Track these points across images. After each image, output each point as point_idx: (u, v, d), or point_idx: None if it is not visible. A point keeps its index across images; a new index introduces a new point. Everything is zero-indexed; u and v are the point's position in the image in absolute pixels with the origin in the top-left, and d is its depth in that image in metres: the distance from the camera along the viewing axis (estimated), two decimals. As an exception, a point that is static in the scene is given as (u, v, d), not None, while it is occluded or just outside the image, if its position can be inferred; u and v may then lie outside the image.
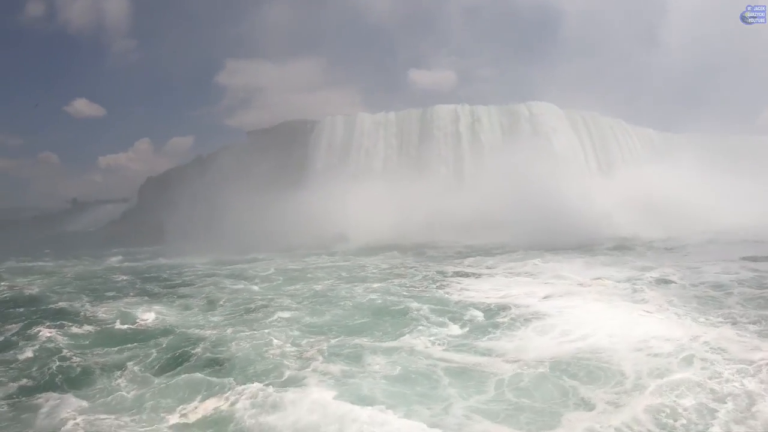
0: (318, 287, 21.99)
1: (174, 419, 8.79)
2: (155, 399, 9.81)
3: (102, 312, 17.83)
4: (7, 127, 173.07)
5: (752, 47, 75.53)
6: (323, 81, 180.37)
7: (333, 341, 13.19)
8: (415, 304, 16.96)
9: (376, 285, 21.85)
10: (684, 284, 19.48)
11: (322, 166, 71.30)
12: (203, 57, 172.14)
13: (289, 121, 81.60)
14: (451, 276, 23.88)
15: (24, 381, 11.17)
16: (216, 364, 11.70)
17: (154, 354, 12.67)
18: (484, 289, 20.04)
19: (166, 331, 14.79)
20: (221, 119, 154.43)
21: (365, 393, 9.68)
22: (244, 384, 10.10)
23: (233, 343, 13.10)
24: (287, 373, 10.85)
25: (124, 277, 28.14)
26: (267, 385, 10.03)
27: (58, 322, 16.00)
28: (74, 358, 12.50)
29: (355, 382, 10.30)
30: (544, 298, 17.57)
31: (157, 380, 10.90)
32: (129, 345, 13.61)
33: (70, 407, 9.49)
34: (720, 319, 13.91)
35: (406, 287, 21.16)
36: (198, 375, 10.81)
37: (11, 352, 13.26)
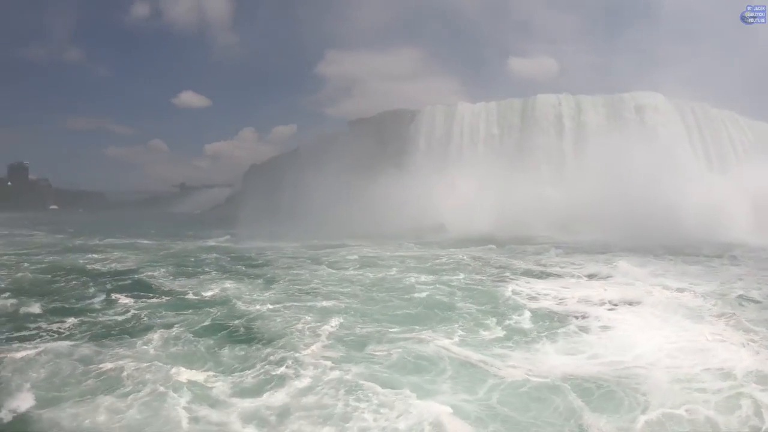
0: (383, 275, 23.05)
1: (178, 376, 10.26)
2: (177, 355, 11.75)
3: (177, 285, 20.63)
4: (121, 118, 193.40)
5: None
6: (423, 70, 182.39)
7: (360, 328, 13.88)
8: (466, 300, 17.44)
9: (439, 277, 22.45)
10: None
11: (421, 155, 72.65)
12: (303, 48, 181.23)
13: (390, 111, 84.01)
14: (522, 274, 23.71)
15: (97, 331, 13.91)
16: (245, 334, 13.37)
17: (199, 320, 14.69)
18: (547, 290, 19.59)
19: (220, 303, 16.87)
20: (322, 108, 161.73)
21: (346, 377, 10.23)
22: (258, 354, 11.67)
23: (268, 318, 14.75)
24: (295, 352, 11.76)
25: (213, 256, 31.09)
26: (267, 360, 11.33)
27: (137, 292, 18.89)
28: (142, 319, 15.07)
29: (347, 366, 10.90)
30: (604, 305, 16.73)
31: (190, 340, 12.81)
32: (186, 311, 15.80)
33: (119, 354, 11.55)
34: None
35: (470, 281, 21.45)
36: (225, 341, 12.65)
37: (94, 313, 16.00)
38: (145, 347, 12.17)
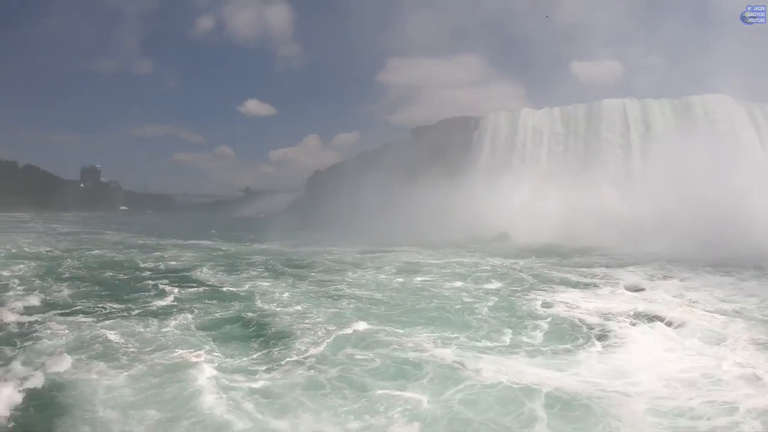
0: (416, 280, 24.17)
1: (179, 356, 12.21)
2: (189, 338, 13.77)
3: (216, 280, 23.19)
4: (189, 126, 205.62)
5: None
6: (484, 77, 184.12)
7: (362, 331, 14.64)
8: (484, 308, 17.97)
9: (474, 285, 23.23)
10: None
11: (485, 162, 73.26)
12: (364, 57, 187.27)
13: (452, 118, 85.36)
14: (559, 283, 24.00)
15: (145, 310, 16.84)
16: (255, 326, 15.16)
17: (220, 311, 16.93)
18: (578, 302, 19.44)
19: (246, 297, 19.14)
20: (384, 116, 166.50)
21: (319, 377, 11.19)
22: (254, 343, 13.50)
23: (281, 315, 16.46)
24: (288, 348, 13.08)
25: (263, 258, 33.39)
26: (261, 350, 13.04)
27: (182, 284, 21.78)
28: (177, 304, 17.78)
29: (323, 366, 11.79)
30: (625, 321, 16.48)
31: (206, 326, 14.92)
32: (214, 301, 18.30)
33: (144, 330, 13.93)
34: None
35: (504, 290, 21.96)
36: (235, 332, 14.58)
37: (143, 299, 18.80)
38: (167, 328, 14.58)
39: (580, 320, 16.59)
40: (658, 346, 14.00)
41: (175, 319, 15.44)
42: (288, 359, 12.17)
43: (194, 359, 11.83)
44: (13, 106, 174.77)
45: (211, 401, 9.75)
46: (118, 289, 20.64)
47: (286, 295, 19.85)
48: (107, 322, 14.90)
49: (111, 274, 24.86)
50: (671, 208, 45.44)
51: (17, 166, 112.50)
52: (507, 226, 52.92)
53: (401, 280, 24.42)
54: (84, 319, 15.31)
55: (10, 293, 19.12)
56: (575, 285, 23.81)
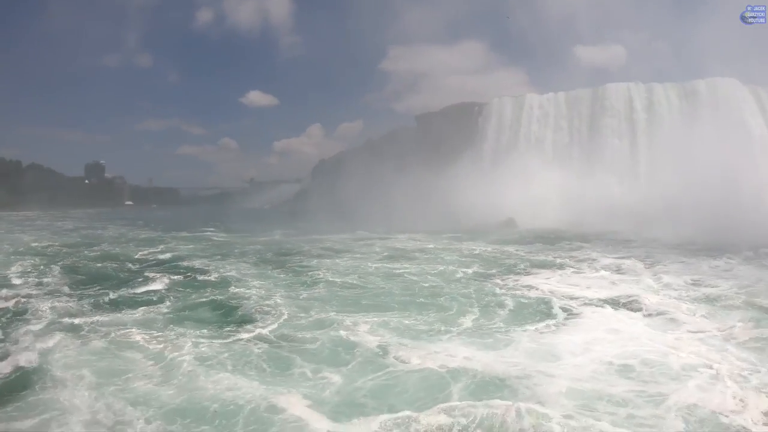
0: (394, 266, 25.64)
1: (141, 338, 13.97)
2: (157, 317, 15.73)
3: (201, 267, 25.28)
4: (192, 119, 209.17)
5: None
6: (488, 63, 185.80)
7: (318, 313, 15.99)
8: (452, 293, 18.96)
9: (450, 268, 24.60)
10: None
11: (490, 148, 74.40)
12: (365, 46, 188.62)
13: (457, 104, 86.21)
14: (537, 266, 25.14)
15: (119, 297, 18.63)
16: (222, 308, 16.90)
17: (195, 296, 18.83)
18: (549, 285, 20.31)
19: (221, 284, 20.99)
20: (388, 104, 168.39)
21: (256, 349, 12.79)
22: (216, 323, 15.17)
23: (248, 296, 18.31)
24: (249, 325, 14.85)
25: (257, 248, 35.14)
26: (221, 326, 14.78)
27: (168, 273, 23.53)
28: (157, 290, 19.88)
29: (262, 344, 13.18)
30: (590, 305, 17.01)
31: (174, 309, 16.73)
32: (190, 289, 20.18)
33: (124, 320, 15.43)
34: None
35: (476, 275, 23.04)
36: (202, 314, 16.29)
37: (128, 287, 20.64)
38: (137, 313, 16.42)
39: (544, 302, 17.42)
40: (605, 330, 14.27)
41: (150, 304, 17.37)
42: (236, 336, 13.82)
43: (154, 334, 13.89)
44: (15, 104, 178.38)
45: (150, 365, 11.77)
46: (106, 279, 22.48)
47: (261, 282, 21.52)
48: (88, 307, 16.93)
49: (102, 264, 26.84)
50: (677, 193, 46.48)
51: (21, 165, 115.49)
52: (513, 213, 54.33)
53: (382, 265, 26.04)
54: (68, 305, 17.16)
55: (7, 283, 21.05)
56: (558, 267, 25.10)
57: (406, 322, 15.11)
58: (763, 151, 54.06)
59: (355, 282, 21.62)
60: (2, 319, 15.46)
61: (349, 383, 10.68)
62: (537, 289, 19.72)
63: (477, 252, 31.45)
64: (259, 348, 12.86)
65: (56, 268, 25.38)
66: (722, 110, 58.75)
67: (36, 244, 37.86)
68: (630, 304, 16.96)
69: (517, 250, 32.07)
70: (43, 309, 16.30)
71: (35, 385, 10.49)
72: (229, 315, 16.08)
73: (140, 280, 21.92)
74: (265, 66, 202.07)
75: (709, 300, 17.36)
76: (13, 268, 25.25)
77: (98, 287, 20.29)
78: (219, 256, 29.90)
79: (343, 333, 13.92)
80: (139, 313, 16.26)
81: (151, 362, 11.84)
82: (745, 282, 20.28)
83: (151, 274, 23.00)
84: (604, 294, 18.54)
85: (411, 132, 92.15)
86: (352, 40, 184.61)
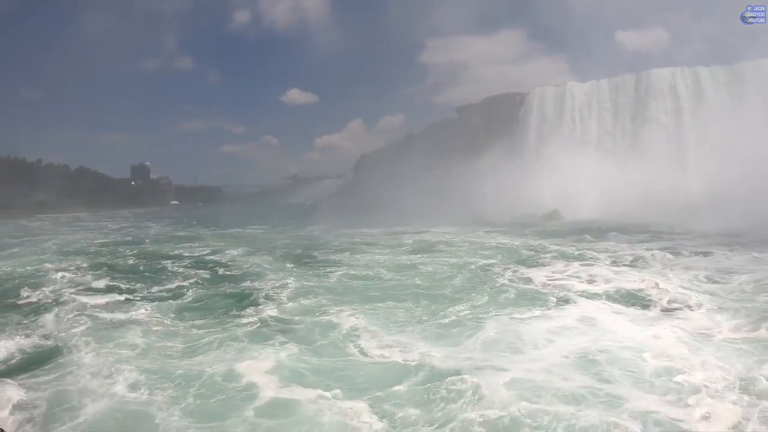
0: (418, 259, 26.82)
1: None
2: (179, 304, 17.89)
3: (226, 262, 27.54)
4: (234, 118, 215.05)
5: None
6: (527, 51, 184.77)
7: (316, 300, 17.62)
8: (456, 285, 19.89)
9: (465, 261, 25.50)
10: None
11: (532, 139, 74.11)
12: (403, 39, 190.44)
13: (497, 95, 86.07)
14: (556, 257, 25.63)
15: (143, 288, 20.87)
16: (233, 298, 18.57)
17: (212, 288, 20.76)
18: (554, 277, 20.70)
19: (240, 278, 22.92)
20: (429, 96, 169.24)
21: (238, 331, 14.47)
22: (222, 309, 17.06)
23: (261, 288, 19.97)
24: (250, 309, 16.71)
25: (286, 242, 37.34)
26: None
27: (196, 268, 25.81)
28: (182, 285, 21.61)
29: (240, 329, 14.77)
30: (585, 296, 17.33)
31: (190, 301, 18.57)
32: (209, 283, 21.95)
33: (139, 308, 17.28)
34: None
35: (486, 266, 23.82)
36: (213, 304, 17.94)
37: (157, 279, 22.93)
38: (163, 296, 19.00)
39: (541, 295, 17.69)
40: (584, 322, 14.24)
41: (167, 299, 19.01)
42: (234, 321, 15.43)
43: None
44: (60, 111, 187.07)
45: (141, 340, 13.72)
46: (136, 274, 24.52)
47: (278, 274, 23.16)
48: (110, 299, 18.84)
49: (135, 262, 29.09)
50: (725, 183, 45.10)
51: (69, 169, 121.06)
52: (558, 204, 54.51)
53: (405, 258, 27.35)
54: (94, 297, 19.03)
55: (46, 279, 23.14)
56: (577, 258, 25.33)
57: (394, 312, 16.04)
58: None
59: (369, 274, 22.92)
60: (33, 307, 17.66)
61: (307, 360, 12.03)
62: (541, 281, 20.09)
63: (505, 244, 32.23)
64: (247, 329, 14.55)
65: (93, 265, 27.48)
66: (769, 91, 56.54)
67: (80, 243, 40.51)
68: (628, 299, 17.04)
69: (547, 242, 32.36)
70: (71, 300, 18.34)
71: (56, 354, 12.75)
72: (236, 305, 17.58)
73: (165, 276, 23.73)
74: (303, 63, 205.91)
75: (717, 297, 16.62)
76: (53, 265, 27.33)
77: (128, 282, 22.20)
78: (249, 251, 31.69)
79: (325, 318, 15.36)
80: (155, 303, 18.09)
81: (143, 338, 13.88)
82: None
83: (180, 269, 25.12)
84: (608, 287, 18.65)
85: (452, 124, 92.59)
86: (389, 34, 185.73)
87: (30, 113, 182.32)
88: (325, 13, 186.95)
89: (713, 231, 34.19)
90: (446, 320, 14.97)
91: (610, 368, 10.90)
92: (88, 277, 23.27)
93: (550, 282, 19.96)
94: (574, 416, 8.80)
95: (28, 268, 26.31)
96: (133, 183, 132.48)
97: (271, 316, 15.73)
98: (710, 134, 57.54)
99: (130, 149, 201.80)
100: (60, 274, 23.86)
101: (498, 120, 79.70)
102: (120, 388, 10.46)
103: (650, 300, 16.68)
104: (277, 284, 20.59)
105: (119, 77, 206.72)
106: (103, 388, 10.48)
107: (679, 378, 10.36)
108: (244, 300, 18.09)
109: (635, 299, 16.93)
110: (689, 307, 15.63)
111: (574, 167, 61.66)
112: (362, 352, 12.52)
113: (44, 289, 20.54)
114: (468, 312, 15.75)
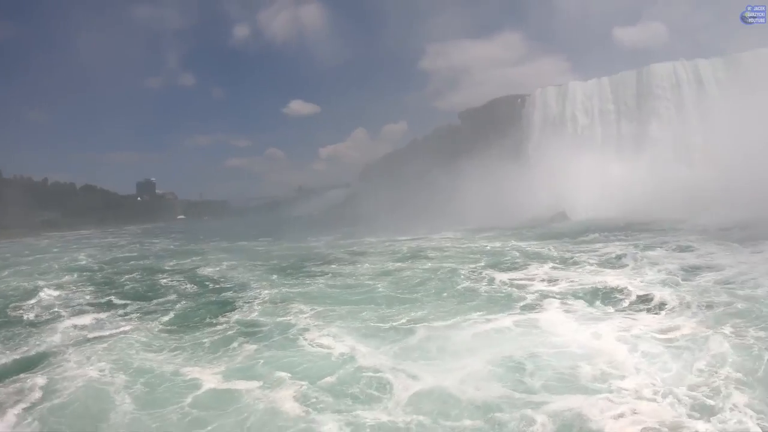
0: (404, 265, 27.92)
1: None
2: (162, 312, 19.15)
3: (217, 276, 28.42)
4: (237, 132, 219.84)
5: None
6: (527, 53, 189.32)
7: (292, 306, 18.96)
8: (433, 289, 21.00)
9: (449, 266, 26.17)
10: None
11: (536, 140, 74.64)
12: (402, 46, 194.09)
13: (499, 98, 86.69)
14: (548, 260, 26.23)
15: (131, 300, 22.53)
16: (213, 308, 19.84)
17: (197, 289, 23.85)
18: (538, 280, 21.38)
19: (226, 289, 24.02)
20: (431, 102, 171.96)
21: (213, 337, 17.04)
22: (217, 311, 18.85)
23: (243, 297, 21.40)
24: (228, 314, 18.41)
25: (283, 254, 38.40)
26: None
27: (188, 282, 26.87)
28: (164, 295, 23.50)
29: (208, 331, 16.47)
30: (557, 297, 17.99)
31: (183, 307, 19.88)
32: (196, 296, 23.17)
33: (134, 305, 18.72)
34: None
35: (470, 270, 24.65)
36: (198, 306, 20.18)
37: (150, 287, 25.32)
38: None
39: (494, 298, 18.69)
40: (518, 327, 14.70)
41: (154, 312, 20.26)
42: (206, 329, 16.84)
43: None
44: (65, 131, 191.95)
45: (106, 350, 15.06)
46: (130, 289, 25.82)
47: (262, 283, 24.80)
48: (100, 314, 20.21)
49: (131, 276, 30.45)
50: (733, 174, 45.15)
51: (75, 187, 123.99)
52: (564, 205, 55.47)
53: (391, 266, 28.41)
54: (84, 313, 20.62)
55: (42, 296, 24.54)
56: (553, 260, 26.28)
57: (352, 314, 17.50)
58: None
59: (348, 282, 24.15)
60: (27, 321, 19.45)
61: (257, 355, 13.77)
62: (502, 284, 21.15)
63: (494, 248, 33.07)
64: (214, 336, 15.95)
65: (90, 281, 29.13)
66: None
67: (84, 261, 41.95)
68: (589, 299, 17.56)
69: (537, 245, 33.21)
70: (62, 313, 20.29)
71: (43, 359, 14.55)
72: (214, 313, 19.05)
73: (157, 290, 25.13)
74: (304, 75, 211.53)
75: (677, 296, 16.72)
76: (54, 281, 29.00)
77: (120, 299, 23.41)
78: (243, 264, 32.79)
79: (287, 319, 17.12)
80: (142, 315, 19.66)
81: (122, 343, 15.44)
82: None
83: (173, 283, 26.62)
84: (570, 287, 19.41)
85: (455, 130, 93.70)
86: (388, 42, 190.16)
87: (36, 133, 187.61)
88: (323, 24, 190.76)
89: (718, 225, 34.56)
90: (390, 324, 16.05)
91: (539, 373, 11.15)
92: (85, 293, 24.84)
93: (510, 284, 20.87)
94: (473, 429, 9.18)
95: (25, 284, 28.00)
96: (139, 199, 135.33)
97: (239, 321, 17.31)
98: (715, 126, 57.22)
99: (136, 166, 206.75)
100: (57, 292, 25.31)
101: (501, 123, 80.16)
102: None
103: (611, 300, 17.22)
104: (258, 294, 21.92)
105: (123, 96, 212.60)
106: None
107: (613, 384, 10.37)
108: (223, 308, 19.56)
109: (594, 299, 17.56)
110: (648, 307, 16.02)
111: (579, 167, 61.88)
112: (307, 347, 14.26)
113: (35, 305, 22.18)
114: (414, 315, 16.87)
